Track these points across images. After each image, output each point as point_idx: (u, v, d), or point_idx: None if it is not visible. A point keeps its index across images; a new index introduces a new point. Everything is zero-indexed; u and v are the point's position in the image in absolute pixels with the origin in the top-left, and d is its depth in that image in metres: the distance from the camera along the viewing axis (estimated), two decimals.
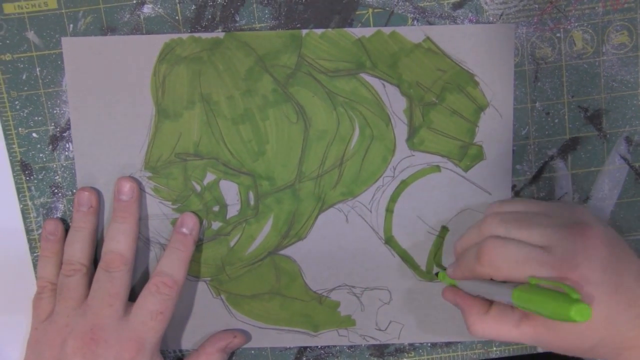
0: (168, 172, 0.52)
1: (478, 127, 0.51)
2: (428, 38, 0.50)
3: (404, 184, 0.52)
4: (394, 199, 0.53)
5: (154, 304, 0.49)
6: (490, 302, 0.46)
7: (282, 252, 0.53)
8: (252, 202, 0.52)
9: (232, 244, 0.53)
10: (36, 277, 0.53)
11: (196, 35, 0.50)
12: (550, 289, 0.39)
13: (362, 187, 0.52)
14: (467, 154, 0.52)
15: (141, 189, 0.52)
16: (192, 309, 0.54)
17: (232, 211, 0.53)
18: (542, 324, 0.43)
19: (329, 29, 0.50)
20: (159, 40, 0.50)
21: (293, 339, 0.55)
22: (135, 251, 0.51)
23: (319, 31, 0.50)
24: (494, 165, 0.52)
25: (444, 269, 0.53)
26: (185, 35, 0.50)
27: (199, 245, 0.53)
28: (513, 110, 0.51)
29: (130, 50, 0.50)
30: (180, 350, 0.55)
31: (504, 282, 0.44)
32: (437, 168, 0.52)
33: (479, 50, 0.50)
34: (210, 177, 0.52)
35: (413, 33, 0.50)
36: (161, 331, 0.50)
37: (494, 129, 0.52)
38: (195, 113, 0.51)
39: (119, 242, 0.50)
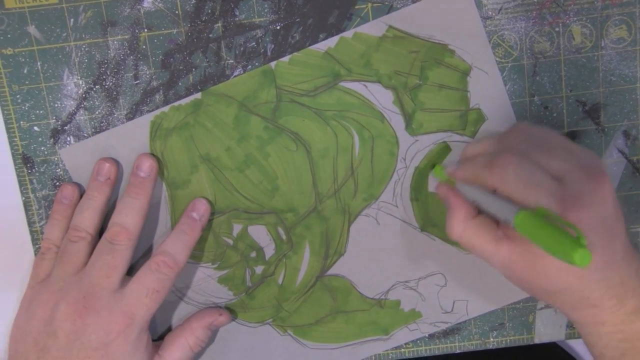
0: None
1: (469, 92, 0.51)
2: (390, 27, 0.50)
3: (419, 170, 0.52)
4: (414, 187, 0.53)
5: (152, 281, 0.49)
6: (478, 211, 0.46)
7: (329, 272, 0.54)
8: (284, 237, 0.54)
9: (280, 281, 0.54)
10: (42, 238, 0.53)
11: (175, 104, 0.51)
12: (554, 223, 0.38)
13: (380, 186, 0.53)
14: (469, 121, 0.52)
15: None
16: (266, 353, 0.56)
17: (269, 251, 0.54)
18: (519, 251, 0.42)
19: (295, 53, 0.51)
20: (145, 121, 0.51)
21: (369, 349, 0.56)
22: (140, 228, 0.51)
23: (286, 58, 0.51)
24: (497, 122, 0.52)
25: None
26: (166, 108, 0.51)
27: (250, 292, 0.54)
28: (498, 65, 0.51)
29: (123, 139, 0.52)
30: None
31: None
32: (444, 144, 0.52)
33: (443, 19, 0.50)
34: (237, 228, 0.53)
35: (374, 27, 0.50)
36: (153, 309, 0.49)
37: (485, 88, 0.51)
38: (202, 175, 0.52)
39: (127, 217, 0.50)
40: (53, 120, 0.52)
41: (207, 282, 0.54)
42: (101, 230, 0.52)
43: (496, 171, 0.42)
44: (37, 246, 0.54)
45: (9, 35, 0.51)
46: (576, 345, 0.64)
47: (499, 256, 0.43)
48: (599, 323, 0.43)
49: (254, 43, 0.51)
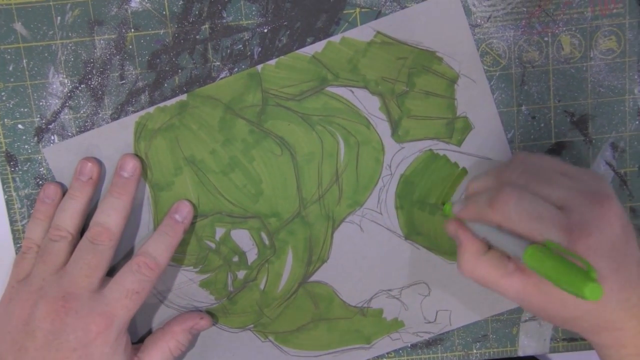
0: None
1: (456, 100, 0.51)
2: (378, 32, 0.50)
3: (404, 178, 0.52)
4: (399, 195, 0.52)
5: (132, 282, 0.49)
6: (488, 246, 0.45)
7: (312, 279, 0.54)
8: (267, 242, 0.53)
9: (262, 286, 0.54)
10: (23, 237, 0.53)
11: (161, 105, 0.51)
12: (564, 257, 0.38)
13: (365, 193, 0.52)
14: (455, 129, 0.51)
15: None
16: (248, 358, 0.55)
17: (252, 256, 0.53)
18: (533, 282, 0.42)
19: (282, 57, 0.50)
20: (130, 121, 0.51)
21: (351, 357, 0.55)
22: (122, 229, 0.50)
23: (272, 62, 0.50)
24: (484, 130, 0.51)
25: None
26: (151, 109, 0.51)
27: (232, 297, 0.54)
28: (485, 75, 0.51)
29: (107, 139, 0.51)
30: None
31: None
32: (430, 152, 0.52)
33: (431, 26, 0.50)
34: (220, 231, 0.53)
35: (362, 32, 0.50)
36: (133, 311, 0.49)
37: (472, 96, 0.51)
38: (186, 177, 0.52)
39: (110, 217, 0.49)
40: (37, 119, 0.52)
41: (188, 285, 0.54)
42: (83, 231, 0.52)
43: (497, 208, 0.42)
44: (18, 245, 0.54)
45: None
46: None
47: (513, 289, 0.43)
48: (620, 345, 0.42)
49: (240, 46, 0.51)
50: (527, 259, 0.39)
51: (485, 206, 0.43)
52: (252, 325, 0.55)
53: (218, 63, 0.51)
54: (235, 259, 0.53)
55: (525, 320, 0.55)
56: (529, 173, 0.44)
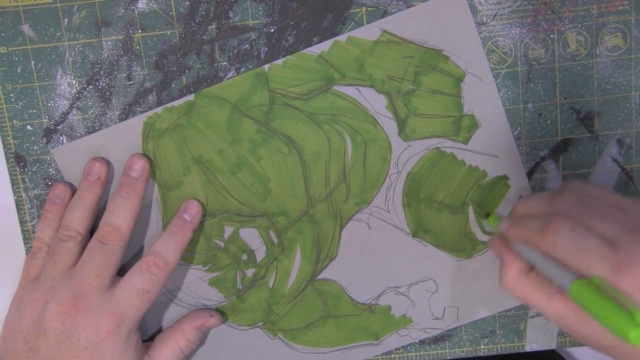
0: None
1: (463, 98, 0.51)
2: (384, 31, 0.50)
3: (411, 176, 0.52)
4: (407, 193, 0.53)
5: (142, 282, 0.49)
6: (531, 267, 0.45)
7: (320, 276, 0.54)
8: (275, 240, 0.53)
9: (270, 284, 0.54)
10: (33, 237, 0.53)
11: (168, 105, 0.51)
12: (609, 296, 0.38)
13: (372, 191, 0.53)
14: (462, 127, 0.52)
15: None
16: (256, 356, 0.55)
17: (260, 254, 0.54)
18: (573, 307, 0.42)
19: (288, 56, 0.50)
20: (137, 122, 0.51)
21: (359, 354, 0.56)
22: (132, 229, 0.51)
23: (279, 61, 0.51)
24: (490, 128, 0.52)
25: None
26: (159, 109, 0.51)
27: (241, 295, 0.54)
28: (492, 72, 0.51)
29: (115, 140, 0.52)
30: None
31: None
32: (437, 150, 0.52)
33: (437, 25, 0.50)
34: (228, 230, 0.53)
35: (368, 31, 0.50)
36: (143, 310, 0.50)
37: (479, 95, 0.51)
38: (194, 176, 0.52)
39: (119, 217, 0.50)
40: (46, 120, 0.52)
41: (197, 284, 0.54)
42: (92, 231, 0.52)
43: (548, 237, 0.42)
44: (28, 245, 0.54)
45: (2, 34, 0.51)
46: (575, 352, 0.64)
47: (553, 312, 0.43)
48: None
49: (247, 45, 0.51)
50: (574, 293, 0.40)
51: (536, 232, 0.43)
52: (261, 323, 0.55)
53: (225, 63, 0.51)
54: (244, 257, 0.54)
55: (533, 316, 0.55)
56: (582, 204, 0.43)
